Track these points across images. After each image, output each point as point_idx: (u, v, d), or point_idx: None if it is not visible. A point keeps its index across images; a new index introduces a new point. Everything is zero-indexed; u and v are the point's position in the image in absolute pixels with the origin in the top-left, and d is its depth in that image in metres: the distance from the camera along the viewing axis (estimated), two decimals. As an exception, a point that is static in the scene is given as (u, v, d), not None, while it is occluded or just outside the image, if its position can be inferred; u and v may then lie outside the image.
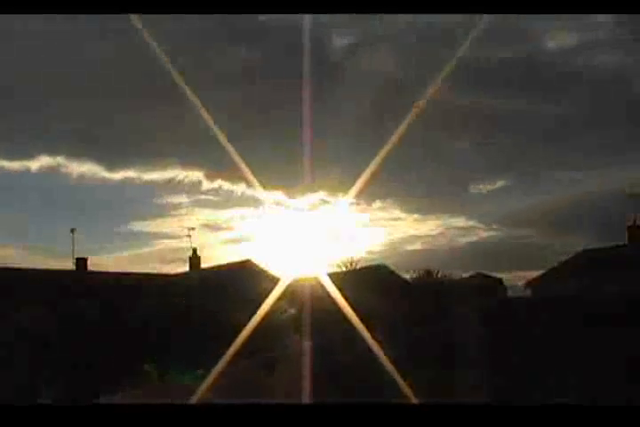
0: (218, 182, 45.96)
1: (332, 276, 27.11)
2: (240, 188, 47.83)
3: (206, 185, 45.64)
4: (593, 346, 9.81)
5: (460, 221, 45.59)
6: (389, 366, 10.43)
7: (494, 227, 46.22)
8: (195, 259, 33.54)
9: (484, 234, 47.88)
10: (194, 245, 34.10)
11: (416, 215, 45.64)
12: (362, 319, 11.94)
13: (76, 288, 26.17)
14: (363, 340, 10.80)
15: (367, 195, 43.60)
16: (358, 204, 44.19)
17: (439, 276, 28.96)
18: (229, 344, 11.88)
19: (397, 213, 45.63)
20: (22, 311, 20.85)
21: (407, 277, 29.22)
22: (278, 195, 48.62)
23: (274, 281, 30.12)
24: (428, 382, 11.11)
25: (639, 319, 10.54)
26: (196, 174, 46.86)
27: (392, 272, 30.77)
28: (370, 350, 10.75)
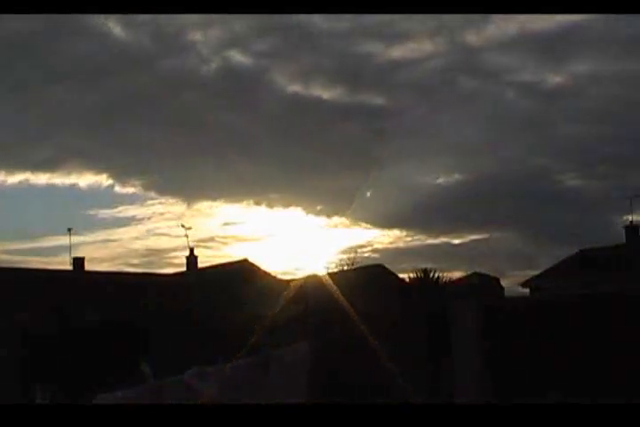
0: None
1: (329, 275, 27.12)
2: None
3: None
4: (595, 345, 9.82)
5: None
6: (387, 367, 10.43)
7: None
8: (191, 259, 33.46)
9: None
10: (189, 245, 34.14)
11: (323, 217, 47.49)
12: (359, 318, 11.93)
13: (74, 288, 26.16)
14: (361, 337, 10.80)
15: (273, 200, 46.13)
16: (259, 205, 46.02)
17: (436, 275, 28.99)
18: (228, 343, 11.88)
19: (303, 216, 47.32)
20: (21, 311, 20.85)
21: (404, 276, 29.26)
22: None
23: (270, 280, 30.17)
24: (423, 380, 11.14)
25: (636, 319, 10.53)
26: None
27: (388, 272, 30.79)
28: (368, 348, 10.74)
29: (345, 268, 32.47)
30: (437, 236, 51.22)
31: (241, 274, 28.53)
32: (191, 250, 33.50)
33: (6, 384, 17.80)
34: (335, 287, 11.72)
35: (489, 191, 42.19)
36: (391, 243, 50.24)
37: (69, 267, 31.37)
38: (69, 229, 32.49)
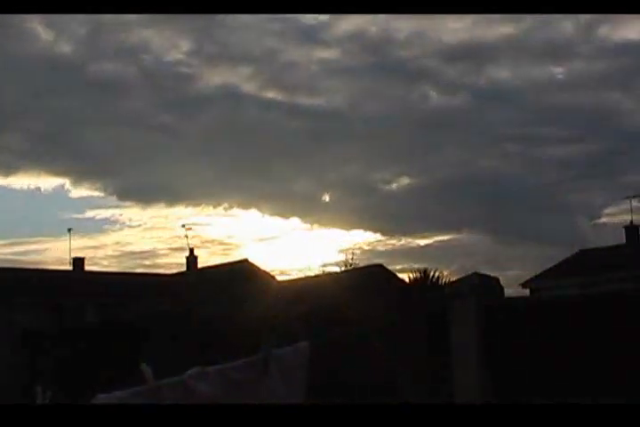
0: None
1: (330, 275, 27.15)
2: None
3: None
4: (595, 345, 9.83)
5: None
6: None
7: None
8: (191, 259, 33.40)
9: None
10: (190, 245, 34.09)
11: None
12: (359, 318, 11.92)
13: (74, 288, 26.15)
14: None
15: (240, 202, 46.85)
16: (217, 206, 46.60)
17: (436, 275, 29.01)
18: (229, 343, 11.87)
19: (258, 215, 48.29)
20: (21, 311, 20.84)
21: (404, 276, 29.25)
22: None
23: (270, 280, 30.13)
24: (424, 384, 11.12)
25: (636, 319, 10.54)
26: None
27: (388, 272, 30.76)
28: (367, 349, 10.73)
29: (348, 267, 32.50)
30: (400, 237, 52.31)
31: (241, 274, 28.52)
32: (191, 250, 33.45)
33: (6, 384, 17.80)
34: (336, 287, 11.70)
35: (442, 193, 42.87)
36: (355, 244, 51.91)
37: (69, 267, 31.38)
38: (69, 230, 32.47)
